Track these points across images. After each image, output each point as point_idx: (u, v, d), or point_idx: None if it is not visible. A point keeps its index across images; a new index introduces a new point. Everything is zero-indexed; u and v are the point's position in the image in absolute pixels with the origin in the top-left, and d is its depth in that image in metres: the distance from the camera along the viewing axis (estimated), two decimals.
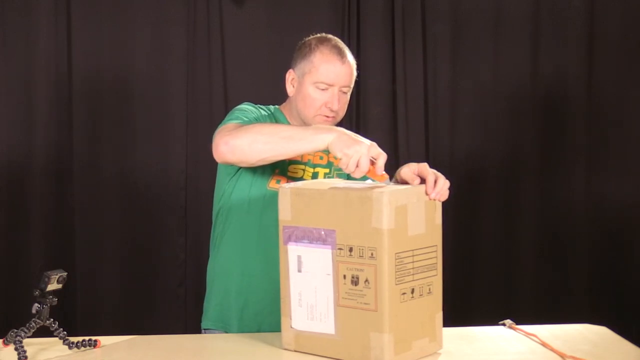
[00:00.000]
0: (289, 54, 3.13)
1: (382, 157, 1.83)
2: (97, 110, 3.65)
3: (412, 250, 1.78)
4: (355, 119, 3.73)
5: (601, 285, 3.83)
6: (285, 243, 1.88)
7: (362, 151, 1.81)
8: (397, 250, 1.74)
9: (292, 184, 1.93)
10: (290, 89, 2.25)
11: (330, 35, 2.25)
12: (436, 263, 1.85)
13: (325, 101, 2.16)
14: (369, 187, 1.81)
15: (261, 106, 2.29)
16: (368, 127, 3.73)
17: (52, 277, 1.87)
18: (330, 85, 2.16)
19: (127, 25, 3.65)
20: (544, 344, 1.96)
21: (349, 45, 2.20)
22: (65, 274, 1.89)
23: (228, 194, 2.23)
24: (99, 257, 3.66)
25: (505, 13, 3.80)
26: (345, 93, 2.20)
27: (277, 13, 3.71)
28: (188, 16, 3.66)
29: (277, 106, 2.31)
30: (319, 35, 2.25)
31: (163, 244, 3.66)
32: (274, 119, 2.25)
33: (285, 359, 1.88)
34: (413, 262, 1.78)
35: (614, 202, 3.83)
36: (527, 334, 2.05)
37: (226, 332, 2.23)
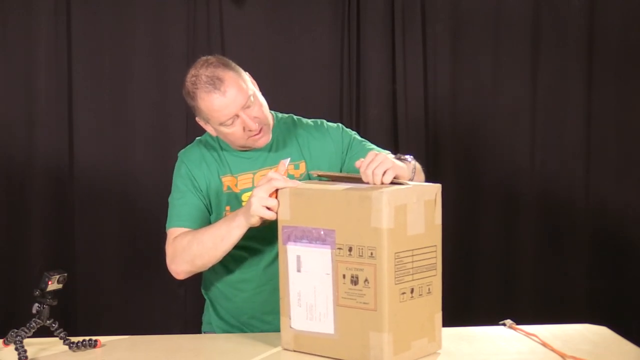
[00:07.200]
0: (289, 54, 3.18)
1: (267, 185, 1.88)
2: (97, 110, 3.65)
3: (412, 250, 1.78)
4: (355, 119, 3.72)
5: (601, 285, 3.83)
6: (285, 243, 1.87)
7: (254, 201, 1.88)
8: (396, 249, 1.74)
9: None
10: (210, 130, 2.16)
11: (200, 65, 2.08)
12: (435, 263, 1.85)
13: (241, 128, 2.08)
14: (369, 187, 1.81)
15: (207, 142, 2.23)
16: (368, 128, 3.72)
17: (52, 277, 1.87)
18: (234, 117, 2.06)
19: (126, 25, 3.65)
20: (544, 344, 1.96)
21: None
22: (66, 274, 1.90)
23: None
24: (99, 257, 3.66)
25: (505, 13, 3.79)
26: (250, 106, 2.06)
27: (277, 13, 3.70)
28: (188, 16, 3.66)
29: None
30: (191, 71, 2.09)
31: (163, 244, 3.63)
32: (218, 153, 2.19)
33: (285, 359, 1.88)
34: (412, 261, 1.78)
35: (614, 201, 3.82)
36: (527, 334, 2.05)
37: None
